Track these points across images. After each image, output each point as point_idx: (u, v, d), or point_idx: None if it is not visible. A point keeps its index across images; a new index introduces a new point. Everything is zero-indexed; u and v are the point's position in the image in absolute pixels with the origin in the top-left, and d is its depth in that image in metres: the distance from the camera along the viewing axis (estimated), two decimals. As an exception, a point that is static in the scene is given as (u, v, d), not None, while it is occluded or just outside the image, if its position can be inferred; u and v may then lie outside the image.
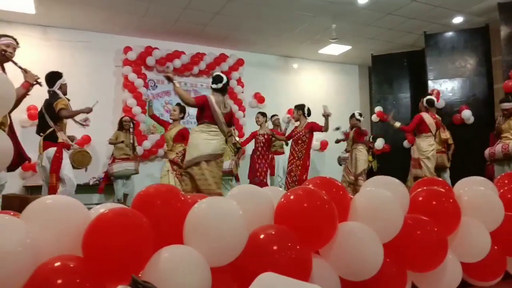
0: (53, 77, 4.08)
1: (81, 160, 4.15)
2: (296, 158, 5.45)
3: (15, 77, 3.15)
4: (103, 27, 6.77)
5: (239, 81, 7.81)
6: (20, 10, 5.88)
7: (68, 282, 1.11)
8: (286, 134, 6.22)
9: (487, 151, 5.37)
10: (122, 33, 6.99)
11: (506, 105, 5.18)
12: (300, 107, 5.61)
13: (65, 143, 3.94)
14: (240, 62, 7.79)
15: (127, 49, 6.95)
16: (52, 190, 3.71)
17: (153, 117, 5.50)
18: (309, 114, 5.63)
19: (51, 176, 3.78)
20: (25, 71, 3.26)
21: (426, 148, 5.45)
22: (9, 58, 3.16)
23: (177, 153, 5.13)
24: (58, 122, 3.93)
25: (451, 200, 1.83)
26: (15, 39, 3.27)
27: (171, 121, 5.43)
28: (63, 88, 4.21)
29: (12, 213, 1.39)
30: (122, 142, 5.90)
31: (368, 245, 1.51)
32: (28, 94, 3.25)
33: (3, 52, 3.12)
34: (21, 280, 1.11)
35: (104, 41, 6.93)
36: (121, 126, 6.06)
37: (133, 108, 6.79)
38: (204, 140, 3.94)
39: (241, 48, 7.85)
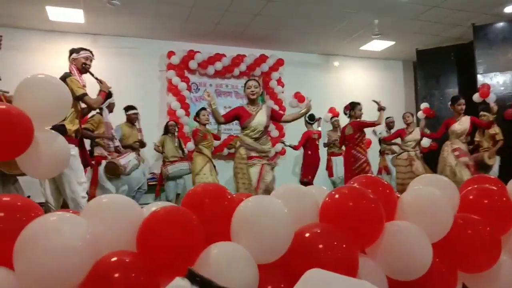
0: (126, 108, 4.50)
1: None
2: (365, 155, 5.40)
3: (91, 86, 3.48)
4: (148, 34, 7.02)
5: (279, 81, 7.84)
6: (70, 20, 6.23)
7: (123, 276, 1.18)
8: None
9: None
10: (166, 38, 7.23)
11: None
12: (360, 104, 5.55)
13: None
14: (280, 62, 7.82)
15: (171, 53, 7.16)
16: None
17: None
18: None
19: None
20: (100, 81, 3.52)
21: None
22: (87, 70, 3.46)
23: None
24: None
25: (504, 199, 1.76)
26: (91, 52, 3.55)
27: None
28: (111, 106, 4.68)
29: (71, 211, 1.49)
30: (162, 152, 6.11)
31: (416, 244, 1.48)
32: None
33: (83, 65, 3.41)
34: (82, 274, 1.19)
35: (149, 47, 7.19)
36: (167, 130, 6.25)
37: (177, 111, 7.00)
38: None
39: (281, 48, 7.87)
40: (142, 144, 5.57)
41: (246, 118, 4.09)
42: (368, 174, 5.12)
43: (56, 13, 5.98)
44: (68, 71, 3.36)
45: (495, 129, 5.89)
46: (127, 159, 4.66)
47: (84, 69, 3.43)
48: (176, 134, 6.37)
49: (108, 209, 1.36)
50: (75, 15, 6.08)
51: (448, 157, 5.28)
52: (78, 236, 1.19)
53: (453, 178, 4.98)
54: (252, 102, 4.16)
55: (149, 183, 6.59)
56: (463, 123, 5.24)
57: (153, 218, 1.32)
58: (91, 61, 3.50)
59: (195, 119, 5.94)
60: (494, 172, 5.74)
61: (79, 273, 1.18)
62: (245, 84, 4.22)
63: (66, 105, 1.94)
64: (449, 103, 5.54)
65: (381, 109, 5.33)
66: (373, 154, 7.42)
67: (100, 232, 1.28)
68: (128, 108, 5.58)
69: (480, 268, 1.60)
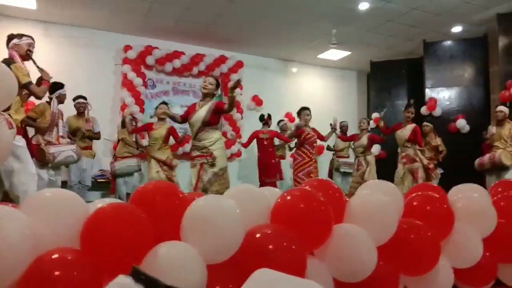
0: (55, 86, 4.34)
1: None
2: (314, 160, 5.52)
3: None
4: (104, 25, 6.79)
5: (238, 83, 7.83)
6: (21, 5, 5.89)
7: (64, 273, 1.13)
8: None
9: (477, 161, 5.45)
10: (123, 32, 7.02)
11: (502, 107, 5.27)
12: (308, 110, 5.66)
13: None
14: (239, 64, 7.83)
15: (127, 47, 6.97)
16: None
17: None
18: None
19: None
20: (42, 70, 3.38)
21: None
22: (30, 57, 3.29)
23: (168, 155, 5.25)
24: None
25: (445, 206, 1.86)
26: (33, 39, 3.39)
27: (153, 120, 5.50)
28: (62, 97, 4.64)
29: (10, 205, 1.40)
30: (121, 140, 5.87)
31: (362, 247, 1.53)
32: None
33: (27, 52, 3.26)
34: (19, 271, 1.12)
35: (105, 39, 6.95)
36: (124, 123, 5.98)
37: (131, 106, 6.80)
38: None
39: (241, 50, 7.88)
40: (93, 135, 5.38)
41: (190, 115, 4.11)
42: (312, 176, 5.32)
43: (5, -5, 5.63)
44: (8, 57, 3.18)
45: (437, 141, 6.25)
46: (60, 149, 4.40)
47: (28, 56, 3.27)
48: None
49: (50, 204, 1.30)
50: (27, 0, 5.75)
51: (398, 165, 5.59)
52: (17, 231, 1.12)
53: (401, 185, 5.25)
54: (203, 97, 4.15)
55: (98, 180, 6.36)
56: (404, 130, 5.54)
57: (99, 215, 1.27)
58: (33, 48, 3.34)
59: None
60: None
61: (15, 270, 1.11)
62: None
63: (12, 93, 1.83)
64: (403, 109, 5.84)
65: (334, 129, 5.87)
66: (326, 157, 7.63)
67: (41, 228, 1.21)
68: (75, 97, 5.35)
69: (421, 271, 1.67)
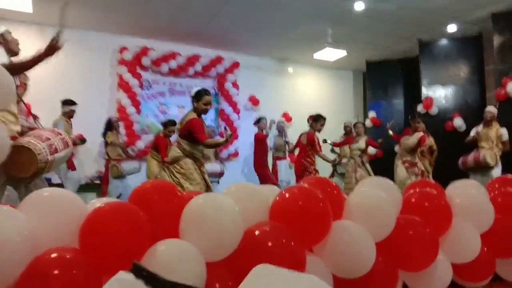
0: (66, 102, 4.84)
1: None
2: (314, 165, 5.56)
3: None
4: (100, 27, 6.77)
5: (234, 84, 7.85)
6: (18, 8, 5.87)
7: (63, 272, 1.13)
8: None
9: (460, 160, 5.48)
10: (119, 33, 7.00)
11: (491, 108, 5.31)
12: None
13: None
14: (235, 65, 7.83)
15: (123, 49, 6.96)
16: None
17: None
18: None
19: None
20: None
21: None
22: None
23: None
24: None
25: (442, 202, 1.87)
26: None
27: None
28: (71, 113, 5.11)
29: (9, 205, 1.39)
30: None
31: (361, 244, 1.53)
32: None
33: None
34: (18, 270, 1.12)
35: (100, 40, 6.93)
36: (112, 126, 5.92)
37: (127, 108, 6.79)
38: None
39: (237, 51, 7.88)
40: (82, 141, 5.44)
41: None
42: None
43: (2, 0, 5.60)
44: None
45: (430, 141, 6.24)
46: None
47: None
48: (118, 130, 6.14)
49: (48, 204, 1.30)
50: (23, 3, 5.73)
51: (398, 169, 5.61)
52: (15, 230, 1.12)
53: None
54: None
55: (95, 181, 6.36)
56: (411, 138, 5.62)
57: (97, 214, 1.27)
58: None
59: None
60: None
61: (15, 270, 1.11)
62: (202, 95, 3.74)
63: (11, 92, 1.82)
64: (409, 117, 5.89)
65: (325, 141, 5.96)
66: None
67: (40, 227, 1.21)
68: (68, 102, 5.27)
69: (419, 267, 1.68)
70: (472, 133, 5.59)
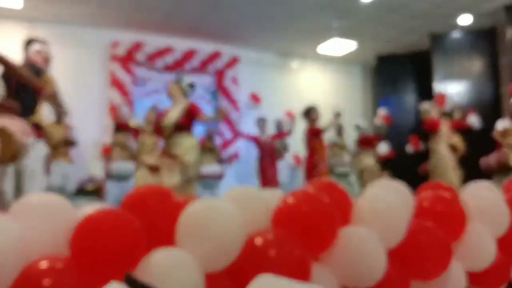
0: None
1: None
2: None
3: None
4: (91, 21, 6.79)
5: (234, 80, 7.84)
6: (7, 5, 5.89)
7: (54, 282, 1.13)
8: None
9: (483, 160, 5.36)
10: (110, 27, 7.01)
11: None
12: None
13: None
14: (235, 60, 7.83)
15: (115, 44, 6.96)
16: None
17: None
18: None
19: None
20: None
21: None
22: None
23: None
24: None
25: (456, 206, 1.86)
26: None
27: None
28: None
29: (-5, 212, 1.39)
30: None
31: (371, 251, 1.52)
32: None
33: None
34: (7, 280, 1.12)
35: (91, 35, 6.95)
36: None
37: (120, 107, 6.79)
38: None
39: (237, 45, 7.88)
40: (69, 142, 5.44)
41: None
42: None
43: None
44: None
45: (453, 138, 6.11)
46: None
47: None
48: None
49: (39, 209, 1.30)
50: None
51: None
52: (3, 237, 1.12)
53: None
54: None
55: (86, 186, 6.36)
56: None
57: (89, 220, 1.26)
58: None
59: None
60: None
61: (4, 279, 1.11)
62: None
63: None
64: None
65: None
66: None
67: (30, 234, 1.21)
68: None
69: (432, 275, 1.67)
70: (500, 127, 5.41)
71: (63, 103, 3.10)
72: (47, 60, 3.38)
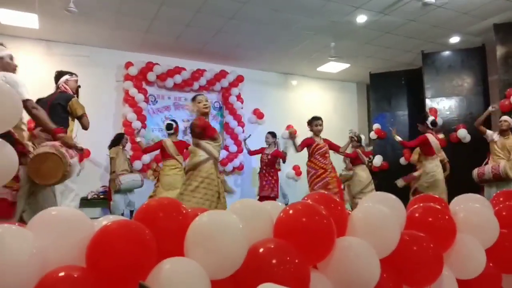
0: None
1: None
2: (329, 171, 5.24)
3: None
4: (106, 43, 6.88)
5: (238, 97, 7.91)
6: (24, 25, 5.98)
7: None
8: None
9: (475, 171, 5.27)
10: (124, 49, 7.11)
11: (506, 117, 5.17)
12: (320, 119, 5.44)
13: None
14: (240, 79, 7.90)
15: (129, 64, 7.05)
16: None
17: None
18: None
19: None
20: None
21: (432, 169, 5.40)
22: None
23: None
24: None
25: (446, 217, 1.87)
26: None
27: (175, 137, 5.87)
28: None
29: (17, 224, 1.42)
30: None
31: (365, 260, 1.53)
32: None
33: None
34: (27, 289, 1.13)
35: (106, 56, 7.04)
36: (119, 142, 6.05)
37: (133, 122, 6.85)
38: None
39: (241, 65, 7.97)
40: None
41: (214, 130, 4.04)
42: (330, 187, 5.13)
43: (8, 16, 5.72)
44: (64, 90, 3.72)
45: (442, 154, 6.04)
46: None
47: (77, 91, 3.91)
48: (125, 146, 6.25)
49: (56, 222, 1.32)
50: (30, 20, 5.84)
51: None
52: (24, 250, 1.14)
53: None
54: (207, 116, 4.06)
55: (101, 196, 6.39)
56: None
57: (104, 232, 1.28)
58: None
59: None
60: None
61: (23, 289, 1.12)
62: (193, 99, 4.04)
63: (16, 112, 1.86)
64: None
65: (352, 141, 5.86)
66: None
67: (48, 246, 1.23)
68: None
69: (424, 283, 1.68)
70: (490, 137, 5.38)
71: (77, 146, 3.03)
72: (74, 88, 3.59)
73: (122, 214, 5.77)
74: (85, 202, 6.08)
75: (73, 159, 2.92)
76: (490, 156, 5.36)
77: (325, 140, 5.42)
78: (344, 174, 6.79)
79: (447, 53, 7.30)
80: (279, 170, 6.86)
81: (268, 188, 6.49)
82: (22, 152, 2.51)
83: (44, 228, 1.27)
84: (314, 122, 5.37)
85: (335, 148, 5.52)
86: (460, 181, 5.53)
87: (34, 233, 1.22)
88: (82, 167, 4.61)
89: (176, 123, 6.09)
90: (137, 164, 6.63)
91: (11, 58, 3.04)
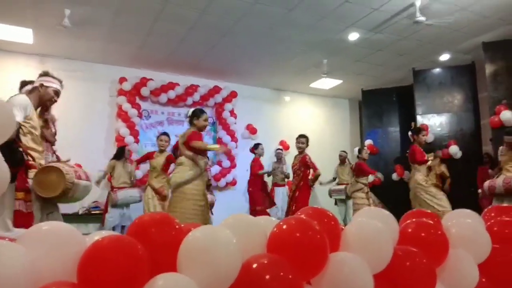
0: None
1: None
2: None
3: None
4: (100, 58, 6.91)
5: (232, 113, 7.95)
6: (19, 40, 5.99)
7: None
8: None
9: (486, 184, 5.18)
10: (118, 64, 7.14)
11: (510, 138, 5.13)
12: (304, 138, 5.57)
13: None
14: (233, 94, 7.95)
15: (122, 79, 7.07)
16: None
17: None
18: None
19: None
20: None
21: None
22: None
23: (163, 184, 5.31)
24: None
25: (439, 232, 1.87)
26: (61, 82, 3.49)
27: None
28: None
29: (7, 239, 1.40)
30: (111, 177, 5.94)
31: (359, 276, 1.53)
32: None
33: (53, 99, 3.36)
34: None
35: (100, 71, 7.06)
36: (122, 155, 6.01)
37: (126, 137, 6.84)
38: None
39: (235, 81, 8.04)
40: None
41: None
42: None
43: (3, 31, 5.73)
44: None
45: (441, 168, 6.06)
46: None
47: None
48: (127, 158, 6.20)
49: (48, 237, 1.30)
50: (24, 34, 5.85)
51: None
52: (15, 264, 1.12)
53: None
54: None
55: (92, 212, 6.31)
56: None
57: (96, 247, 1.27)
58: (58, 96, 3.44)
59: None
60: None
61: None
62: (200, 114, 4.11)
63: (10, 126, 1.84)
64: (410, 133, 5.73)
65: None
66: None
67: (39, 261, 1.21)
68: None
69: (417, 299, 1.67)
70: (500, 152, 5.26)
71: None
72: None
73: (113, 229, 5.69)
74: (76, 218, 6.00)
75: (84, 182, 2.93)
76: (501, 170, 5.27)
77: (302, 158, 5.48)
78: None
79: (437, 70, 7.42)
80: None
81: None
82: (28, 165, 2.64)
83: (35, 242, 1.25)
84: (297, 140, 5.59)
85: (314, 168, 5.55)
86: (451, 196, 5.54)
87: (26, 248, 1.21)
88: None
89: None
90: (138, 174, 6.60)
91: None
